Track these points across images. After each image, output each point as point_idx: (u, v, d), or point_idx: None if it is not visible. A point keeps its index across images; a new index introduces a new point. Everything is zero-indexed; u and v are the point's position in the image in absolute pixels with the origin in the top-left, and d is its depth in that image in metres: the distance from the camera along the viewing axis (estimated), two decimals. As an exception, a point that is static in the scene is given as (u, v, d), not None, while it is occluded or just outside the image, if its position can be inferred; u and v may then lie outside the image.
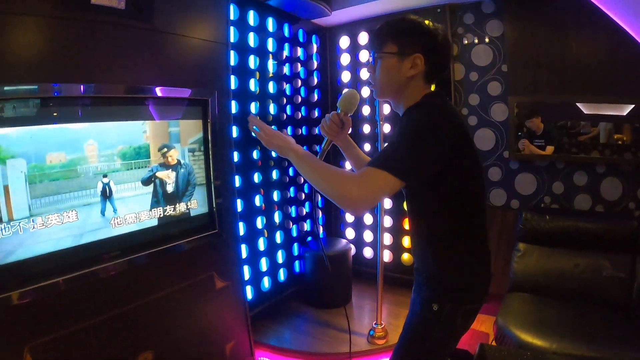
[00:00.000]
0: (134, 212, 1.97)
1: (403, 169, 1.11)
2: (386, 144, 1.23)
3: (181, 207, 2.17)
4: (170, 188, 2.11)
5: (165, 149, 2.08)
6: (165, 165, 2.08)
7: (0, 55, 1.48)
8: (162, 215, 2.08)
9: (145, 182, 2.01)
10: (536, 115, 2.82)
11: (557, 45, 2.72)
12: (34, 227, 1.61)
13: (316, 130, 3.55)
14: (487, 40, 2.96)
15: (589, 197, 2.77)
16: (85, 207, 1.78)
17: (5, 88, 1.48)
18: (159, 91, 2.01)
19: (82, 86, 1.71)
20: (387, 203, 3.44)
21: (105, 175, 1.86)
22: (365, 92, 3.42)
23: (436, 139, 1.16)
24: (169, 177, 2.10)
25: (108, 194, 1.87)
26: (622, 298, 2.33)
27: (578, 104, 2.71)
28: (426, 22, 1.30)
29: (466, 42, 3.02)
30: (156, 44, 1.99)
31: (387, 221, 3.46)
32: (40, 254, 1.63)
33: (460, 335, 1.38)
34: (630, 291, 2.34)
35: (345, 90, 1.45)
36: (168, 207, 2.11)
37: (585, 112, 2.74)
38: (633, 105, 2.57)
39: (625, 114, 2.62)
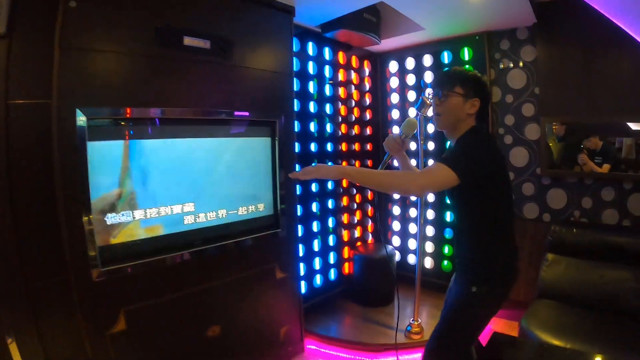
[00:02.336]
0: (216, 209, 2.37)
1: (460, 167, 1.44)
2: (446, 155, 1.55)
3: (250, 208, 2.55)
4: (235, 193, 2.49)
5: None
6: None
7: (114, 84, 1.92)
8: (234, 214, 2.47)
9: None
10: (594, 135, 2.87)
11: (585, 68, 2.83)
12: (137, 217, 2.05)
13: (368, 146, 3.85)
14: (521, 64, 3.11)
15: (616, 212, 2.83)
16: (178, 204, 2.20)
17: (119, 109, 1.95)
18: (237, 114, 2.41)
19: (176, 109, 2.14)
20: (430, 214, 3.65)
21: (198, 180, 2.27)
22: (411, 112, 3.69)
23: (484, 153, 1.54)
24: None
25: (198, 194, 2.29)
26: None
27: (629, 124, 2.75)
28: (481, 76, 1.68)
29: (502, 66, 3.19)
30: (234, 76, 2.39)
31: (430, 231, 3.66)
32: (141, 238, 2.07)
33: (491, 315, 1.66)
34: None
35: (408, 118, 1.82)
36: (238, 207, 2.50)
37: (634, 128, 2.79)
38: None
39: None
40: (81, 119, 1.81)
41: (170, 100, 2.12)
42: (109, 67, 1.92)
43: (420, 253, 2.94)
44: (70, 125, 1.79)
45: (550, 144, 3.05)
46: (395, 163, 2.00)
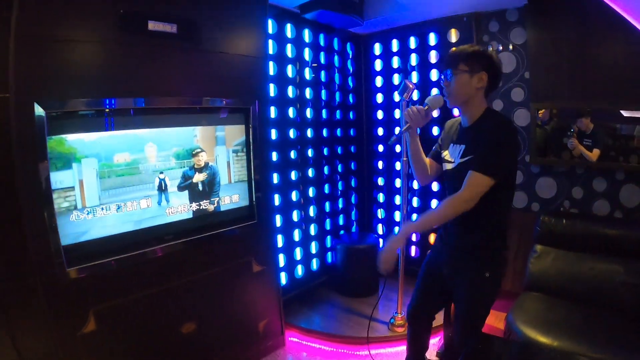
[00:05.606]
0: (185, 203, 2.25)
1: (493, 170, 1.55)
2: (481, 150, 1.59)
3: (225, 200, 2.43)
4: (201, 186, 2.33)
5: (199, 150, 2.28)
6: (194, 168, 2.28)
7: (74, 75, 1.76)
8: (205, 207, 2.35)
9: (181, 188, 2.22)
10: (586, 115, 2.74)
11: (577, 52, 2.69)
12: (102, 214, 1.91)
13: (351, 132, 3.72)
14: (511, 47, 2.97)
15: (608, 203, 2.73)
16: (144, 198, 2.08)
17: (79, 101, 1.78)
18: (206, 102, 2.26)
19: (142, 99, 1.98)
20: (415, 202, 3.55)
21: (161, 172, 2.14)
22: (397, 96, 3.56)
23: (512, 149, 1.65)
24: (201, 178, 2.32)
25: (163, 188, 2.15)
26: (633, 304, 2.29)
27: (622, 111, 2.62)
28: (482, 48, 1.69)
29: (491, 49, 3.02)
30: (204, 62, 2.22)
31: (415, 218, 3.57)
32: (107, 235, 1.94)
33: (499, 291, 1.78)
34: (642, 297, 2.27)
35: (435, 93, 1.84)
36: (208, 200, 2.37)
37: (625, 115, 2.68)
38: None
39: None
40: (40, 112, 1.66)
41: (135, 90, 1.96)
42: (70, 57, 1.75)
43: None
44: (29, 119, 1.64)
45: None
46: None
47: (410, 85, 2.50)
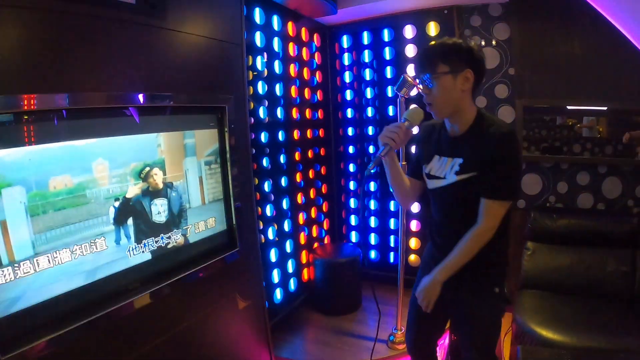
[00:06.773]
0: (149, 238, 1.65)
1: (512, 194, 1.39)
2: (494, 174, 1.31)
3: (199, 226, 1.86)
4: (162, 217, 1.70)
5: (148, 169, 1.63)
6: (150, 192, 1.64)
7: None
8: (173, 242, 1.76)
9: (116, 219, 1.51)
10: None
11: (562, 50, 2.60)
12: (40, 268, 1.27)
13: (319, 132, 3.27)
14: (494, 43, 2.77)
15: (591, 195, 2.70)
16: (97, 237, 1.45)
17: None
18: (174, 99, 1.68)
19: (81, 95, 1.35)
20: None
21: (117, 199, 1.52)
22: (369, 93, 3.19)
23: (521, 159, 1.49)
24: (159, 205, 1.69)
25: (122, 220, 1.54)
26: (626, 291, 2.31)
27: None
28: (461, 40, 1.38)
29: (473, 44, 2.80)
30: (169, 46, 1.66)
31: (393, 224, 3.24)
32: (51, 298, 1.30)
33: None
34: (633, 284, 2.32)
35: (414, 106, 1.50)
36: (173, 232, 1.79)
37: (569, 108, 2.66)
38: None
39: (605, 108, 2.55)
40: None
41: (71, 83, 1.32)
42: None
43: (403, 250, 2.52)
44: None
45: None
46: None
47: (410, 80, 2.13)
